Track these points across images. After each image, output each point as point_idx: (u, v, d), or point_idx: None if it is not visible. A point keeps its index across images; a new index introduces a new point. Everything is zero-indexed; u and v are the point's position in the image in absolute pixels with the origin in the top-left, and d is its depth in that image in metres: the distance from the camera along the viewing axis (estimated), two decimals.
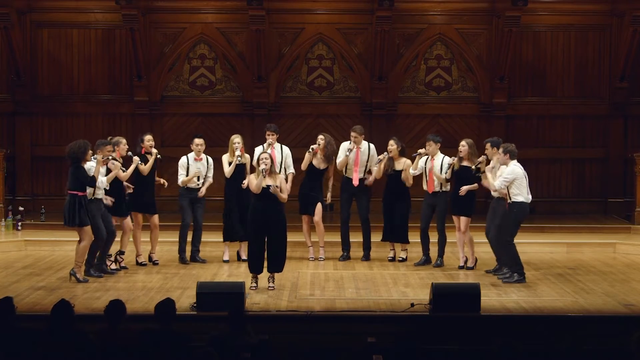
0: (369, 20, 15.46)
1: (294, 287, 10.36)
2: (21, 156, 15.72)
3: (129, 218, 11.47)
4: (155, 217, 11.79)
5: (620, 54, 15.45)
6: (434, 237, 11.77)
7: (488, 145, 11.22)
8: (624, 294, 10.18)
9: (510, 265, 10.79)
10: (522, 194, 10.64)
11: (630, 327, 8.15)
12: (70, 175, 10.47)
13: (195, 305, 9.14)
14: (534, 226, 13.82)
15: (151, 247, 11.83)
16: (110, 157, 10.88)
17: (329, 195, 12.26)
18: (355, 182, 12.10)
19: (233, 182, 11.83)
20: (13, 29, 15.25)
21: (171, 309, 7.16)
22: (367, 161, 12.13)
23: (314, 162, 12.11)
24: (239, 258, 11.98)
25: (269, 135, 12.09)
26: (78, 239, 10.59)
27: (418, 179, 11.89)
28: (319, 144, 12.07)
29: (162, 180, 11.92)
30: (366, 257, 12.17)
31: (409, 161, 11.85)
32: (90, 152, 10.58)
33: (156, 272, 11.36)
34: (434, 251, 11.81)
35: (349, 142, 12.21)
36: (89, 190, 10.56)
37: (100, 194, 10.77)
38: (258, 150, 12.03)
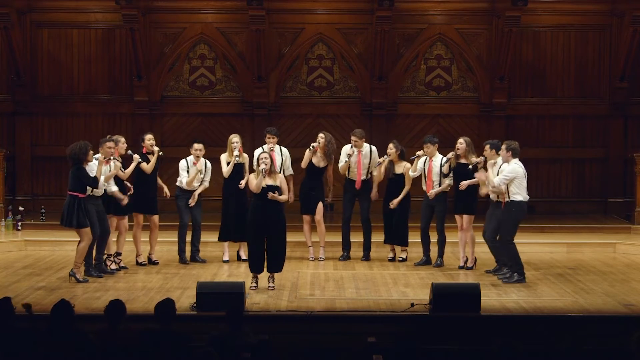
0: (369, 20, 15.46)
1: (294, 287, 10.36)
2: (21, 156, 15.73)
3: (125, 219, 11.46)
4: (156, 218, 11.79)
5: (620, 54, 15.45)
6: (434, 237, 11.77)
7: (487, 147, 11.21)
8: (624, 294, 10.18)
9: (510, 265, 10.78)
10: (521, 193, 10.64)
11: (630, 327, 8.14)
12: (71, 176, 10.46)
13: (195, 305, 9.14)
14: (534, 226, 13.82)
15: (150, 247, 11.83)
16: (111, 157, 10.86)
17: (329, 194, 12.26)
18: (358, 185, 12.10)
19: (231, 182, 11.83)
20: (13, 29, 15.25)
21: (171, 309, 7.16)
22: (369, 163, 12.13)
23: (314, 160, 12.11)
24: (239, 258, 11.98)
25: (269, 138, 12.08)
26: (78, 239, 10.59)
27: (417, 179, 11.90)
28: (319, 142, 12.07)
29: (165, 190, 11.88)
30: (366, 258, 12.17)
31: (408, 164, 11.85)
32: (92, 152, 10.58)
33: (156, 272, 11.35)
34: (434, 251, 11.81)
35: (349, 145, 12.19)
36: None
37: (98, 192, 10.77)
38: (258, 152, 12.01)
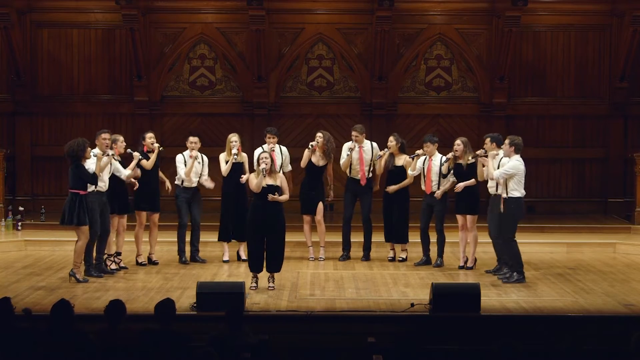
0: (369, 20, 15.46)
1: (294, 287, 10.36)
2: (21, 156, 15.73)
3: (125, 218, 11.46)
4: (156, 216, 11.79)
5: (620, 54, 15.45)
6: (433, 237, 11.77)
7: (487, 140, 11.24)
8: (624, 294, 10.18)
9: (511, 264, 10.78)
10: (519, 190, 10.65)
11: (630, 327, 8.16)
12: (71, 174, 10.46)
13: (195, 305, 9.14)
14: (534, 226, 13.84)
15: (150, 247, 11.82)
16: (109, 153, 10.80)
17: (331, 194, 12.25)
18: (363, 181, 12.09)
19: (230, 181, 11.83)
20: (13, 29, 15.25)
21: (171, 309, 7.16)
22: (371, 160, 12.14)
23: (313, 159, 12.11)
24: (239, 258, 11.98)
25: (269, 138, 12.08)
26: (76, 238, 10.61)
27: (417, 179, 11.90)
28: (317, 141, 12.07)
29: (167, 184, 11.89)
30: (366, 257, 12.17)
31: (408, 157, 11.85)
32: (89, 149, 10.58)
33: (156, 272, 11.35)
34: (433, 251, 11.81)
35: (350, 142, 12.21)
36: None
37: (102, 185, 10.77)
38: (258, 152, 12.01)
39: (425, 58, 15.82)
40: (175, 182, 11.89)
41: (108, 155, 10.76)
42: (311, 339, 8.68)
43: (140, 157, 11.51)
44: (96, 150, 10.81)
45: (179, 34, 15.66)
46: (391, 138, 12.02)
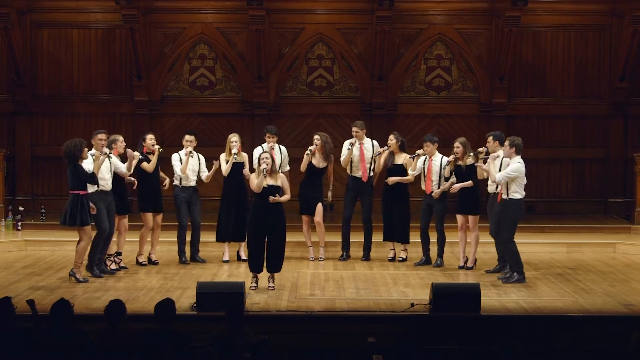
0: (369, 20, 15.46)
1: (294, 287, 10.36)
2: (21, 156, 15.73)
3: (126, 218, 11.47)
4: (159, 217, 11.80)
5: (620, 54, 15.45)
6: (433, 237, 11.77)
7: (490, 139, 11.26)
8: (624, 294, 10.18)
9: (511, 265, 10.79)
10: (520, 191, 10.66)
11: (630, 327, 8.16)
12: (70, 175, 10.46)
13: (195, 305, 9.14)
14: (534, 226, 13.84)
15: (151, 247, 11.84)
16: (106, 152, 10.79)
17: (329, 194, 12.26)
18: (365, 178, 12.09)
19: (230, 181, 11.83)
20: (13, 29, 15.25)
21: (171, 309, 7.16)
22: (372, 157, 12.13)
23: (314, 161, 12.11)
24: (239, 258, 11.98)
25: (269, 137, 12.09)
26: (78, 239, 10.60)
27: (417, 179, 11.90)
28: (315, 145, 12.07)
29: (166, 181, 11.88)
30: (366, 257, 12.17)
31: (409, 157, 11.86)
32: (86, 149, 10.57)
33: (156, 272, 11.36)
34: (433, 251, 11.81)
35: (351, 139, 12.22)
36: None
37: (104, 184, 10.78)
38: (257, 151, 12.03)
39: (425, 58, 15.82)
40: (174, 183, 11.89)
41: (105, 154, 10.74)
42: (311, 339, 8.68)
43: (141, 156, 11.51)
44: (93, 151, 10.80)
45: (179, 34, 15.66)
46: (391, 136, 12.03)
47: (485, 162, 11.04)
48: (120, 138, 11.45)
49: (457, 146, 11.46)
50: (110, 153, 10.89)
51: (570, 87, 15.90)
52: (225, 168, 11.81)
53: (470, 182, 11.36)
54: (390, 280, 10.82)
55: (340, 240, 12.27)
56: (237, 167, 11.82)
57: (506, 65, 15.40)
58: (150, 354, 6.76)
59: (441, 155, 11.69)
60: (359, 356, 7.39)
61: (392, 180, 11.83)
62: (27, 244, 13.10)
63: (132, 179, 11.44)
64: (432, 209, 11.71)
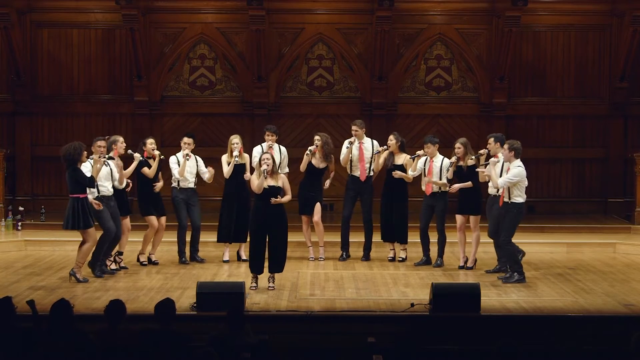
0: (369, 20, 15.46)
1: (294, 287, 10.36)
2: (21, 156, 15.73)
3: (127, 219, 11.48)
4: (163, 219, 11.80)
5: (620, 54, 15.45)
6: (433, 237, 11.77)
7: (491, 140, 11.26)
8: (624, 294, 10.18)
9: (510, 265, 10.79)
10: (522, 195, 10.66)
11: (630, 327, 8.16)
12: (69, 179, 10.45)
13: (195, 305, 9.14)
14: (534, 226, 13.84)
15: (152, 247, 11.84)
16: (105, 157, 10.79)
17: (327, 182, 12.17)
18: (363, 177, 12.09)
19: (231, 183, 11.83)
20: (13, 29, 15.25)
21: (171, 309, 7.16)
22: (372, 156, 12.13)
23: (314, 161, 12.11)
24: (239, 258, 11.98)
25: (268, 136, 12.09)
26: (80, 239, 10.60)
27: (417, 179, 11.90)
28: (316, 145, 12.07)
29: (158, 184, 11.77)
30: (366, 257, 12.17)
31: (409, 157, 11.85)
32: (86, 153, 10.57)
33: (156, 272, 11.36)
34: (433, 251, 11.81)
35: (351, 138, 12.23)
36: (93, 190, 10.58)
37: (105, 190, 10.79)
38: (256, 150, 12.04)
39: (425, 58, 15.82)
40: (172, 185, 11.89)
41: (103, 162, 10.73)
42: (311, 339, 8.68)
43: (141, 158, 11.52)
44: (93, 155, 10.79)
45: (179, 34, 15.66)
46: (391, 137, 12.02)
47: (485, 166, 11.04)
48: (121, 139, 11.44)
49: (458, 147, 11.46)
50: (107, 160, 10.85)
51: (570, 87, 15.90)
52: (226, 170, 11.80)
53: (469, 182, 11.36)
54: (390, 280, 10.82)
55: (340, 240, 12.26)
56: (238, 168, 11.81)
57: (506, 65, 15.40)
58: (150, 354, 6.76)
59: (442, 157, 11.68)
60: (359, 356, 7.40)
61: (398, 174, 11.77)
62: (27, 244, 13.10)
63: (129, 181, 11.41)
64: (432, 209, 11.70)
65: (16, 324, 7.01)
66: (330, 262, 12.03)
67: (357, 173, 12.14)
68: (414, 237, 12.02)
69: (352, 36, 15.71)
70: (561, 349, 7.45)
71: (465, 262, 11.59)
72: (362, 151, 12.09)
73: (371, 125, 15.22)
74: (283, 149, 12.35)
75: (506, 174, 10.69)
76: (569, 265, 12.01)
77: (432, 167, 11.61)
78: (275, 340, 7.71)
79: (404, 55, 15.70)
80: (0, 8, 15.06)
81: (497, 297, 9.90)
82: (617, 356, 6.97)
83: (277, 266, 10.28)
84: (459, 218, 11.56)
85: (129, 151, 11.47)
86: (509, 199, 10.62)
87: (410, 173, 11.79)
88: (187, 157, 11.74)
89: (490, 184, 11.07)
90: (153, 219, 11.66)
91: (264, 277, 10.28)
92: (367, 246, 12.24)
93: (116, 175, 11.06)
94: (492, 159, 10.97)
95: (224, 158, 11.88)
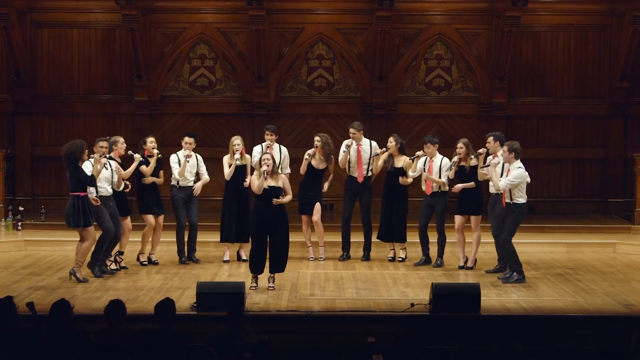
0: (369, 20, 15.46)
1: (294, 287, 10.36)
2: (21, 156, 15.73)
3: (128, 219, 11.48)
4: (161, 218, 11.81)
5: (620, 54, 15.45)
6: (432, 237, 11.77)
7: (490, 139, 11.25)
8: (624, 294, 10.18)
9: (510, 265, 10.79)
10: (523, 196, 10.67)
11: (630, 327, 8.16)
12: (70, 177, 10.46)
13: (195, 305, 9.14)
14: (534, 226, 13.83)
15: (152, 247, 11.85)
16: (105, 156, 10.80)
17: (326, 185, 12.18)
18: (360, 179, 12.09)
19: (232, 184, 11.83)
20: (13, 29, 15.25)
21: (171, 309, 7.16)
22: (370, 158, 12.12)
23: (313, 162, 12.10)
24: (239, 258, 11.98)
25: (267, 135, 12.09)
26: (79, 238, 10.60)
27: (417, 179, 11.90)
28: (316, 146, 12.06)
29: (154, 179, 11.76)
30: (366, 258, 12.17)
31: (409, 159, 11.85)
32: (87, 151, 10.58)
33: (156, 272, 11.36)
34: (433, 251, 11.81)
35: (349, 139, 12.21)
36: (91, 188, 10.58)
37: (104, 191, 10.79)
38: (256, 150, 12.04)
39: (425, 58, 15.82)
40: (172, 183, 11.89)
41: (104, 164, 10.73)
42: (311, 339, 8.68)
43: (141, 158, 11.52)
44: (94, 155, 10.80)
45: (179, 34, 15.66)
46: (391, 139, 12.01)
47: (486, 167, 11.03)
48: (121, 139, 11.44)
49: (460, 147, 11.45)
50: (108, 161, 10.86)
51: (570, 87, 15.90)
52: (227, 172, 11.80)
53: (472, 183, 11.36)
54: (390, 280, 10.82)
55: (340, 240, 12.27)
56: (240, 169, 11.81)
57: (506, 65, 15.41)
58: (150, 354, 6.75)
59: (442, 157, 11.68)
60: (359, 356, 7.40)
61: (402, 180, 11.77)
62: (27, 244, 13.10)
63: (128, 182, 11.41)
64: (432, 209, 11.70)
65: (17, 324, 7.00)
66: (330, 262, 12.03)
67: (355, 174, 12.14)
68: (413, 237, 12.02)
69: (352, 36, 15.71)
70: (561, 349, 7.44)
71: (465, 262, 11.59)
72: (359, 154, 12.08)
73: (371, 125, 15.23)
74: (284, 149, 12.34)
75: (506, 175, 10.69)
76: (569, 265, 12.01)
77: (432, 167, 11.61)
78: (275, 340, 7.71)
79: (404, 55, 15.70)
80: (0, 8, 15.06)
81: (497, 297, 9.90)
82: (617, 356, 6.97)
83: (278, 266, 10.28)
84: (458, 219, 11.56)
85: (129, 152, 11.47)
86: (511, 200, 10.63)
87: (410, 174, 11.78)
88: (188, 160, 11.73)
89: (490, 183, 11.06)
90: (150, 217, 11.66)
91: (264, 277, 10.28)
92: (367, 246, 12.24)
93: (114, 178, 11.04)
94: (493, 161, 10.95)
95: (226, 159, 11.87)
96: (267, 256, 10.27)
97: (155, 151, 11.70)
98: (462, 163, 11.44)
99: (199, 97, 15.84)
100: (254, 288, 10.15)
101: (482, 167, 11.14)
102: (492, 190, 11.11)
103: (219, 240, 12.07)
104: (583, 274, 11.43)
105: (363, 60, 15.70)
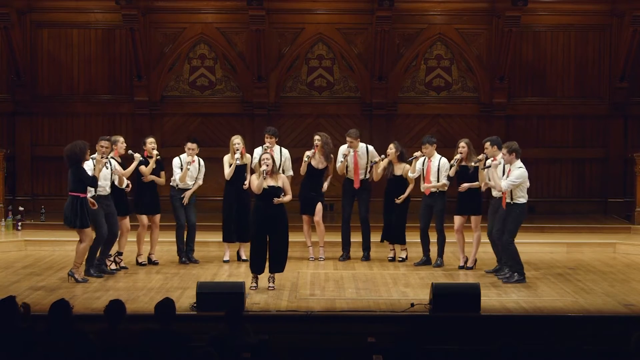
0: (369, 20, 15.46)
1: (294, 287, 10.36)
2: (21, 156, 15.73)
3: (127, 219, 11.48)
4: (157, 217, 11.81)
5: (620, 54, 15.45)
6: (433, 237, 11.77)
7: (487, 144, 11.22)
8: (624, 294, 10.18)
9: (510, 265, 10.79)
10: (524, 196, 10.67)
11: (630, 327, 8.16)
12: (71, 177, 10.45)
13: (195, 305, 9.14)
14: (534, 226, 13.83)
15: (150, 247, 11.84)
16: (106, 162, 10.79)
17: (325, 184, 12.18)
18: (357, 185, 12.11)
19: (233, 183, 11.83)
20: (13, 29, 15.25)
21: (171, 309, 7.15)
22: (367, 163, 12.12)
23: (313, 162, 12.11)
24: (239, 258, 11.98)
25: (267, 138, 12.07)
26: (78, 239, 10.60)
27: (417, 180, 11.89)
28: (316, 145, 12.06)
29: (154, 177, 11.77)
30: (366, 258, 12.17)
31: (408, 166, 11.84)
32: (89, 151, 10.58)
33: (156, 272, 11.36)
34: (433, 251, 11.81)
35: (346, 145, 12.18)
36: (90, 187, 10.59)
37: (102, 190, 10.80)
38: (257, 151, 12.02)
39: (425, 58, 15.82)
40: (171, 184, 11.90)
41: (105, 163, 10.73)
42: (311, 339, 8.69)
43: (141, 158, 11.52)
44: (95, 155, 10.80)
45: (179, 34, 15.66)
46: (391, 146, 11.99)
47: (486, 167, 11.03)
48: (121, 139, 11.45)
49: (463, 146, 11.44)
50: (109, 161, 10.86)
51: (570, 87, 15.90)
52: (227, 172, 11.80)
53: (477, 182, 11.34)
54: (390, 280, 10.82)
55: (340, 240, 12.27)
56: (240, 169, 11.81)
57: (506, 65, 15.41)
58: (150, 354, 6.75)
59: (440, 156, 11.68)
60: (359, 356, 7.39)
61: (401, 199, 11.77)
62: (27, 244, 13.10)
63: (128, 182, 11.41)
64: (431, 209, 11.70)
65: (19, 323, 7.00)
66: (330, 262, 12.03)
67: (352, 177, 12.15)
68: (414, 237, 12.02)
69: (352, 36, 15.71)
70: (561, 349, 7.44)
71: (465, 262, 11.59)
72: (356, 160, 12.07)
73: (371, 126, 15.24)
74: (285, 151, 12.32)
75: (507, 176, 10.68)
76: (569, 265, 12.01)
77: (430, 167, 11.60)
78: (275, 340, 7.71)
79: (404, 55, 15.70)
80: (0, 8, 15.06)
81: (497, 297, 9.90)
82: (617, 356, 6.96)
83: (278, 266, 10.28)
84: (458, 219, 11.55)
85: (129, 151, 11.47)
86: (512, 200, 10.63)
87: (410, 175, 11.78)
88: (189, 167, 11.71)
89: (494, 193, 11.05)
90: (144, 217, 11.66)
91: (264, 277, 10.28)
92: (366, 246, 12.24)
93: (115, 176, 11.06)
94: (494, 162, 10.93)
95: (226, 159, 11.87)
96: (267, 256, 10.27)
97: (155, 152, 11.70)
98: (464, 163, 11.43)
99: (199, 97, 15.84)
100: (254, 288, 10.15)
101: (483, 168, 11.13)
102: (494, 193, 11.08)
103: (218, 240, 12.08)
104: (583, 274, 11.43)
105: (363, 60, 15.70)
